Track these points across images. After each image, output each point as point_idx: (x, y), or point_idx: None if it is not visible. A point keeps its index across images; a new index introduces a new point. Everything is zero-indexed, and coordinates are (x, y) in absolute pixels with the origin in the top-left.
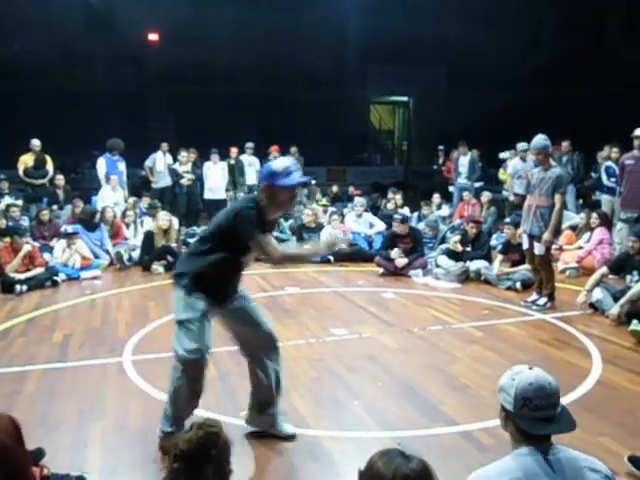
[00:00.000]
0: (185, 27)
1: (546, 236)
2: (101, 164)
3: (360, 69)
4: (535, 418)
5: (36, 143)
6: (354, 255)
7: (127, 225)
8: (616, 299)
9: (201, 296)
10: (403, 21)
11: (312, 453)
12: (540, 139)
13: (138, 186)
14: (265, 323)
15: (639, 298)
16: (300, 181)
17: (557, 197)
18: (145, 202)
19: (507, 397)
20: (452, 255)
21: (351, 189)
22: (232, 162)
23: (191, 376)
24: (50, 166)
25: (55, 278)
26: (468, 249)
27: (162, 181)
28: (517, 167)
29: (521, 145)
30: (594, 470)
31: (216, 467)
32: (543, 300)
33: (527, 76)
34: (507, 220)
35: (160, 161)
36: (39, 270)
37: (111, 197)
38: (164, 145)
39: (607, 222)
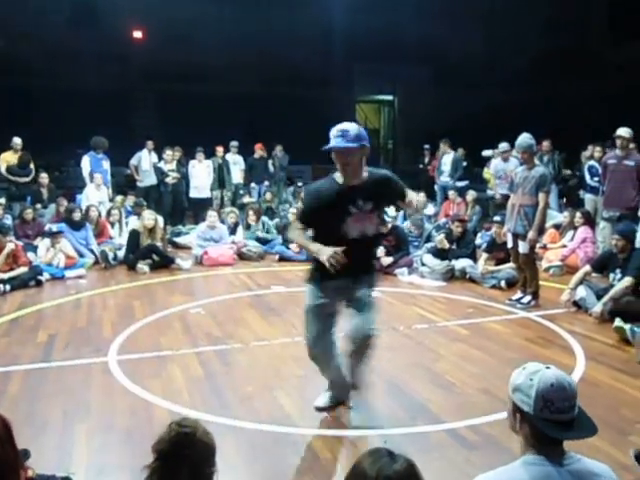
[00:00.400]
0: (170, 25)
1: (531, 235)
2: (85, 162)
3: (346, 68)
4: (554, 421)
5: (17, 141)
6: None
7: (112, 224)
8: (599, 297)
9: (314, 283)
10: (389, 20)
11: (299, 451)
12: (525, 138)
13: (123, 185)
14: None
15: (622, 296)
16: (329, 147)
17: (541, 196)
18: (130, 201)
19: (525, 398)
20: (437, 254)
21: None
22: (219, 161)
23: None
24: (32, 164)
25: (39, 277)
26: (453, 247)
27: (147, 180)
28: (498, 167)
29: (502, 146)
30: None
31: (192, 468)
32: (527, 298)
33: (512, 76)
34: (497, 218)
35: (145, 159)
36: (23, 269)
37: (95, 196)
38: (149, 143)
39: (590, 221)
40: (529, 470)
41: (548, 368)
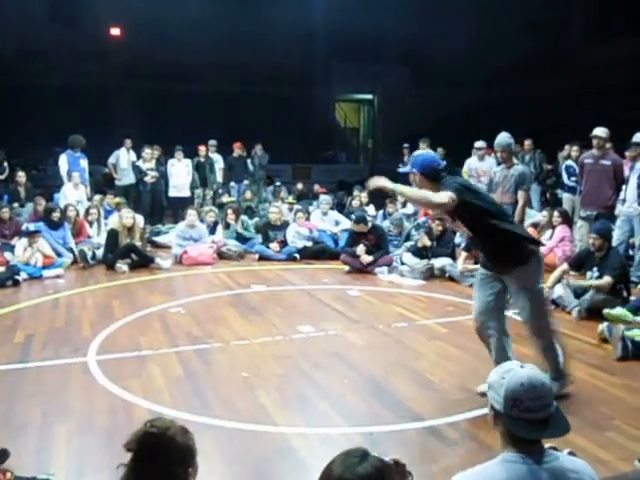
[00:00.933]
0: (149, 22)
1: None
2: (63, 161)
3: (325, 67)
4: (526, 420)
5: None
6: (320, 253)
7: (90, 223)
8: (577, 295)
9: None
10: (368, 19)
11: (279, 450)
12: (504, 137)
13: (101, 183)
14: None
15: (598, 290)
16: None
17: (520, 194)
18: (109, 200)
19: (496, 396)
20: (417, 252)
21: (316, 187)
22: (201, 160)
23: None
24: (6, 162)
25: (16, 277)
26: (434, 244)
27: (126, 178)
28: (472, 165)
29: (478, 144)
30: None
31: (162, 467)
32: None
33: (491, 75)
34: None
35: (124, 158)
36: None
37: (73, 194)
38: (128, 142)
39: (568, 220)
40: (507, 468)
41: (522, 367)
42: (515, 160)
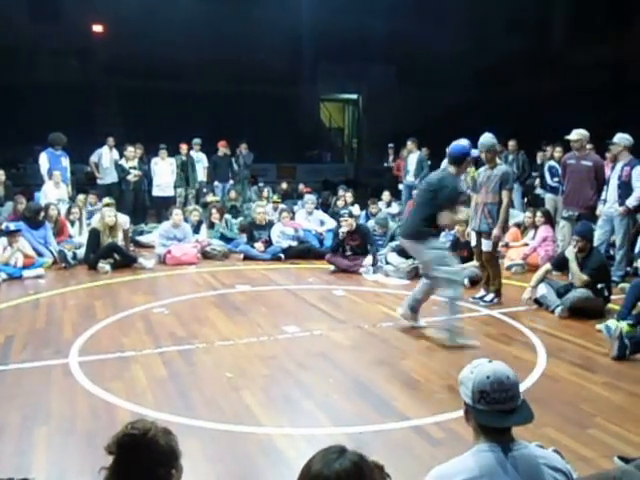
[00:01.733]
0: (132, 19)
1: (495, 231)
2: (43, 159)
3: (310, 66)
4: (493, 411)
5: None
6: (305, 252)
7: (72, 222)
8: (559, 295)
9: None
10: (353, 19)
11: (265, 451)
12: (488, 137)
13: (83, 182)
14: None
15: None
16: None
17: (504, 193)
18: (92, 199)
19: (466, 390)
20: (402, 252)
21: (301, 186)
22: (183, 158)
23: None
24: None
25: None
26: None
27: (108, 177)
28: None
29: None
30: (554, 468)
31: (143, 469)
32: (490, 296)
33: (476, 75)
34: None
35: (106, 157)
36: None
37: (54, 193)
38: (110, 140)
39: (550, 220)
40: (480, 457)
41: (490, 362)
42: (498, 160)
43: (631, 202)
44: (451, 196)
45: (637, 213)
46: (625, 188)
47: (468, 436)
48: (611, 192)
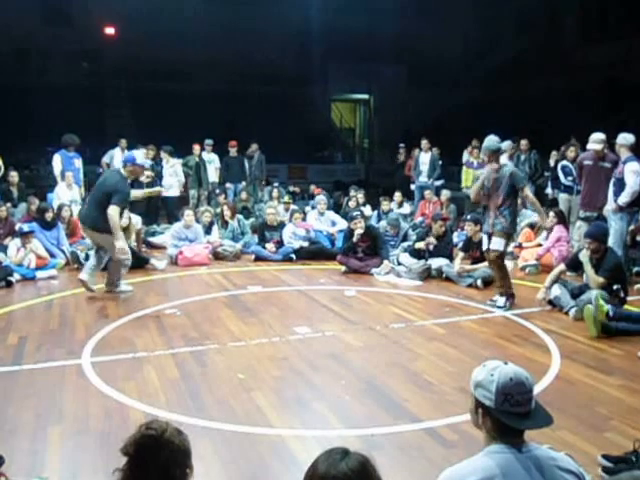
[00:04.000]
0: (143, 21)
1: (544, 223)
2: (57, 161)
3: (321, 67)
4: (514, 413)
5: None
6: (316, 253)
7: None
8: (573, 296)
9: None
10: (364, 19)
11: (277, 452)
12: (493, 140)
13: (95, 183)
14: None
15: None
16: None
17: (526, 190)
18: None
19: (487, 393)
20: (414, 253)
21: (312, 187)
22: (196, 159)
23: None
24: (0, 161)
25: (9, 278)
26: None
27: None
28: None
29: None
30: (566, 470)
31: (160, 470)
32: (502, 300)
33: (486, 75)
34: (468, 217)
35: (118, 158)
36: None
37: (67, 194)
38: (122, 141)
39: (564, 220)
40: (492, 458)
41: (506, 364)
42: (502, 161)
43: (622, 199)
44: None
45: (635, 211)
46: (620, 185)
47: (482, 439)
48: (610, 191)
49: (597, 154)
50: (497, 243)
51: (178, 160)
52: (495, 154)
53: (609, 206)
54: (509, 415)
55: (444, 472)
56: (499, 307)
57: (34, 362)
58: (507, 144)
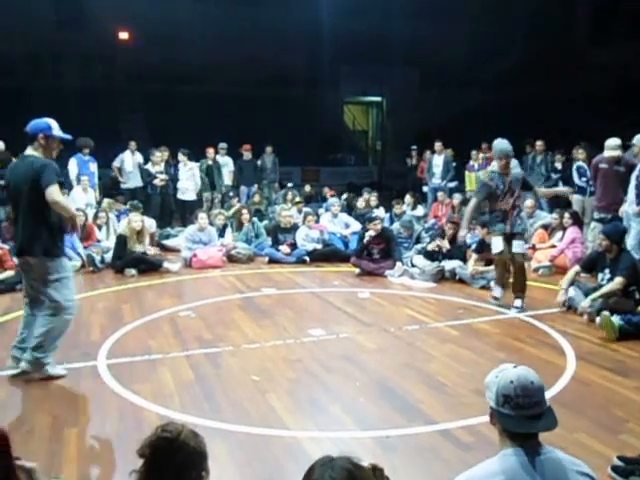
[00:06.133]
0: (157, 26)
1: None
2: (72, 165)
3: (334, 69)
4: (518, 416)
5: (0, 146)
6: (330, 255)
7: (99, 227)
8: (589, 296)
9: None
10: (376, 21)
11: (291, 454)
12: (506, 143)
13: (109, 187)
14: None
15: (611, 296)
16: None
17: (541, 191)
18: (118, 205)
19: (490, 394)
20: (428, 255)
21: (325, 190)
22: (210, 163)
23: None
24: None
25: None
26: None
27: (132, 181)
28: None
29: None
30: (581, 473)
31: (176, 472)
32: (519, 302)
33: (499, 76)
34: (473, 221)
35: (128, 161)
36: (9, 273)
37: (82, 198)
38: (132, 144)
39: (579, 221)
40: (504, 460)
41: (515, 367)
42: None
43: None
44: None
45: None
46: None
47: (497, 440)
48: (630, 192)
49: (613, 159)
50: (521, 246)
51: (196, 163)
52: (509, 157)
53: (629, 209)
54: (510, 418)
55: (458, 476)
56: (517, 308)
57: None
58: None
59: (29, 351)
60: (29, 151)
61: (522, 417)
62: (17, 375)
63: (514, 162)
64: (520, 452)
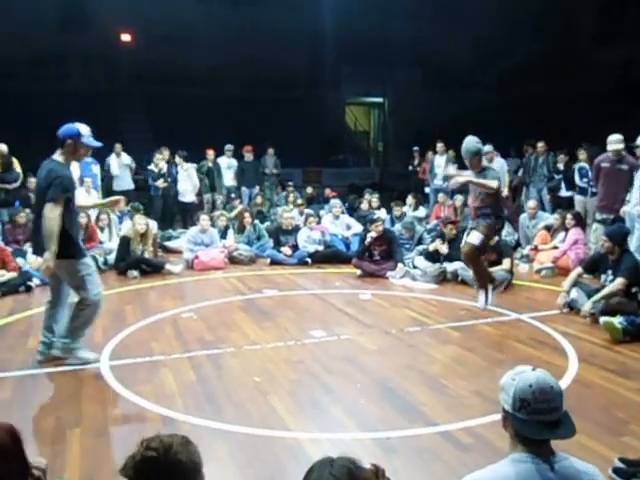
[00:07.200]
0: (160, 28)
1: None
2: (75, 167)
3: (335, 70)
4: (534, 421)
5: (3, 148)
6: (331, 257)
7: (101, 229)
8: (590, 298)
9: None
10: (378, 22)
11: (292, 456)
12: (473, 142)
13: (110, 189)
14: None
15: (613, 297)
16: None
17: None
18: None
19: (506, 397)
20: (429, 256)
21: (327, 191)
22: (210, 165)
23: None
24: (19, 169)
25: (29, 283)
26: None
27: (122, 184)
28: None
29: (486, 148)
30: None
31: None
32: (481, 299)
33: (501, 77)
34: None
35: (114, 164)
36: (12, 275)
37: (86, 200)
38: (117, 146)
39: (581, 222)
40: (516, 467)
41: (534, 370)
42: (484, 163)
43: None
44: None
45: None
46: None
47: (498, 442)
48: (634, 193)
49: (617, 155)
50: (476, 237)
51: (192, 165)
52: (476, 156)
53: (634, 210)
54: (525, 423)
55: (466, 477)
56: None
57: (54, 365)
58: (488, 148)
59: (58, 339)
60: (55, 155)
61: (539, 422)
62: (47, 360)
63: (498, 163)
64: (533, 458)
